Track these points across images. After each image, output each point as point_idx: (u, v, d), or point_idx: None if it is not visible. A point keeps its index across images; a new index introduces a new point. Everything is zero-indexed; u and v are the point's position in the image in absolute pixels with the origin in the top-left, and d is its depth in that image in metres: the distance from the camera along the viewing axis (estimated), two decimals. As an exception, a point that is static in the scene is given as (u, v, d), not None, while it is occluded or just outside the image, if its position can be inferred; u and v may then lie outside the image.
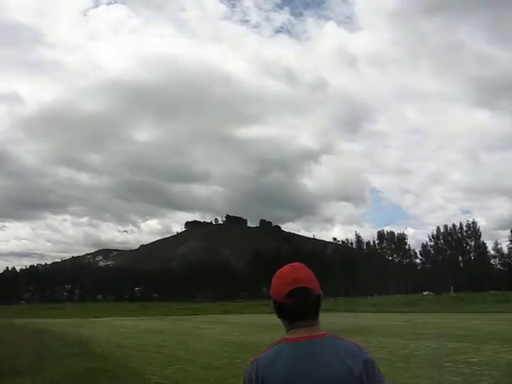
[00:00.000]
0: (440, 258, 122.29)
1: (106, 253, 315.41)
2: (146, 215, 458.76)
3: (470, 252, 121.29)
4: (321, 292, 1.94)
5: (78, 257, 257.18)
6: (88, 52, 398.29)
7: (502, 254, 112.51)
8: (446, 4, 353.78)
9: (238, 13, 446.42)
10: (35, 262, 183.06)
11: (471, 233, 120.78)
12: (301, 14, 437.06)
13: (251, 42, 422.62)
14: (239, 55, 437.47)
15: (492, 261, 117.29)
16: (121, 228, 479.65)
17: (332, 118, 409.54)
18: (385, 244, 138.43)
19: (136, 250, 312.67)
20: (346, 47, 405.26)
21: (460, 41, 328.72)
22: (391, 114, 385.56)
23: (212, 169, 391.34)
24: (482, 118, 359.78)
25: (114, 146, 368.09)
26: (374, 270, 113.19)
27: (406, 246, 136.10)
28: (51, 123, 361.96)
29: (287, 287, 1.86)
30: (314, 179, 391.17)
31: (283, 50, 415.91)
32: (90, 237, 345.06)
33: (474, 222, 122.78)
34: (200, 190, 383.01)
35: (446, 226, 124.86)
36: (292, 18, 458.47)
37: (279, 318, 1.95)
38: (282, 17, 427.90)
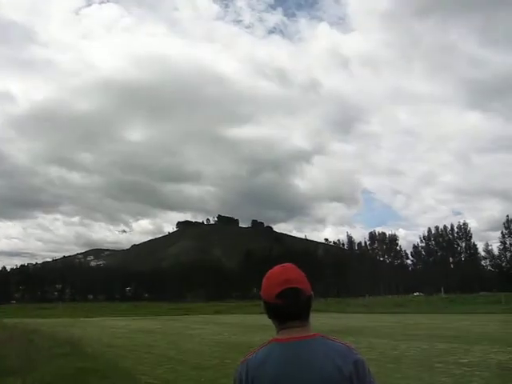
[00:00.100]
0: (431, 259, 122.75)
1: (97, 252, 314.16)
2: (138, 215, 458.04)
3: (460, 253, 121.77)
4: (311, 292, 1.93)
5: (69, 256, 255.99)
6: (80, 51, 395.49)
7: (493, 255, 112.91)
8: (438, 6, 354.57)
9: (230, 13, 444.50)
10: (26, 262, 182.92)
11: (462, 234, 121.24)
12: (294, 15, 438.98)
13: (244, 42, 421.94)
14: (232, 55, 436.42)
15: (482, 262, 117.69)
16: (112, 228, 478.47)
17: (324, 119, 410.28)
18: (376, 245, 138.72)
19: (127, 249, 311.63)
20: (338, 48, 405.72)
21: (452, 43, 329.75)
22: (383, 115, 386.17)
23: (204, 169, 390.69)
24: (474, 120, 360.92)
25: (106, 146, 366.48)
26: (366, 270, 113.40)
27: (398, 247, 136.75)
28: (43, 122, 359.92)
29: (278, 288, 1.86)
30: (306, 180, 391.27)
31: (276, 51, 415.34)
32: (81, 236, 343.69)
33: (465, 224, 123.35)
34: (192, 190, 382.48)
35: (437, 228, 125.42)
36: (285, 18, 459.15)
37: (270, 318, 1.94)
38: (275, 17, 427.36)
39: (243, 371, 1.88)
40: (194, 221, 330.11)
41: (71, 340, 17.36)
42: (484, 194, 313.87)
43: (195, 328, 29.40)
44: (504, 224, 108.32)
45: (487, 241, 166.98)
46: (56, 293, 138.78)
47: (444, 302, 54.26)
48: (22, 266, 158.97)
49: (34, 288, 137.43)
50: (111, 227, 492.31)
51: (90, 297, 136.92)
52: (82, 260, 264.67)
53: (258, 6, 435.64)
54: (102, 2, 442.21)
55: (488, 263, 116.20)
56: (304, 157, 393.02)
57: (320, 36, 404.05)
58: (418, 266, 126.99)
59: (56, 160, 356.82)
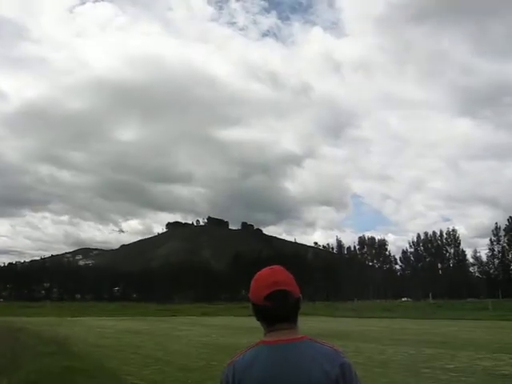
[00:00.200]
0: (420, 264, 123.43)
1: (85, 252, 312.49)
2: (128, 215, 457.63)
3: (449, 259, 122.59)
4: (300, 295, 1.92)
5: (58, 255, 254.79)
6: (74, 49, 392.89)
7: (481, 262, 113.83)
8: (431, 13, 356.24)
9: (225, 15, 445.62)
10: (14, 260, 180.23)
11: (451, 240, 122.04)
12: (288, 18, 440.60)
13: (237, 44, 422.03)
14: (225, 57, 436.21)
15: (471, 268, 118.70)
16: (101, 227, 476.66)
17: (315, 123, 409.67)
18: (365, 249, 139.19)
19: (116, 249, 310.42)
20: (331, 53, 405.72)
21: (445, 50, 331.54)
22: (374, 120, 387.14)
23: (195, 170, 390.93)
24: (465, 127, 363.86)
25: (97, 145, 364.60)
26: (355, 275, 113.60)
27: (387, 252, 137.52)
28: (34, 120, 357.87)
29: (266, 290, 1.85)
30: (297, 183, 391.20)
31: (269, 54, 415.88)
32: (70, 235, 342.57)
33: (453, 230, 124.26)
34: (182, 191, 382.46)
35: (426, 233, 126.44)
36: (279, 21, 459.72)
37: (258, 320, 1.93)
38: (269, 20, 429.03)
39: (230, 373, 1.86)
40: (183, 222, 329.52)
41: (57, 339, 17.29)
42: (473, 200, 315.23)
43: (182, 329, 29.36)
44: (493, 231, 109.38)
45: (476, 247, 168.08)
46: (43, 291, 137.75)
47: (432, 307, 54.50)
48: (9, 263, 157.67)
49: (21, 286, 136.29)
50: (100, 227, 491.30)
51: (78, 296, 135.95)
52: (71, 259, 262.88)
53: (253, 8, 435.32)
54: (97, 1, 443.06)
55: (476, 270, 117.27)
56: (294, 160, 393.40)
57: (313, 40, 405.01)
58: (407, 272, 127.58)
59: (46, 158, 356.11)
